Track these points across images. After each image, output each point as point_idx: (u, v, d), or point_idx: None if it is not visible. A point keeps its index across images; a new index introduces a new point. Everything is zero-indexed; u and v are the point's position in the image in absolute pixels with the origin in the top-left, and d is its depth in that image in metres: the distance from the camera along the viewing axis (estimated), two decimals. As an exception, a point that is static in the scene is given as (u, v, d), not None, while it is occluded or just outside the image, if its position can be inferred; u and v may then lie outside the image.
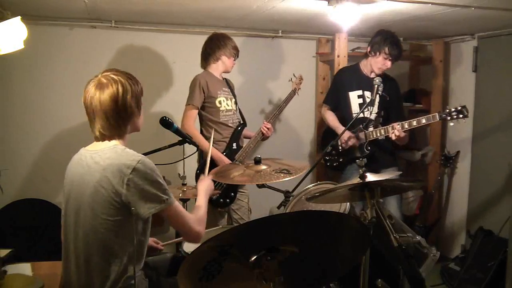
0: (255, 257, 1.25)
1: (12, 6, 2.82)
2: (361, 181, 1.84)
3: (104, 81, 1.69)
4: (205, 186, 2.06)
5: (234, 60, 3.19)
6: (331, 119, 3.45)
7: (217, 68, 3.13)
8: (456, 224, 4.02)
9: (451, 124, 2.84)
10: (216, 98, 3.06)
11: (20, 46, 2.13)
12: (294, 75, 3.61)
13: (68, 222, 1.75)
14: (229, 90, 3.20)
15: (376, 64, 3.18)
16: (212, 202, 3.05)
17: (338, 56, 3.77)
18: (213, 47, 3.10)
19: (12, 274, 1.87)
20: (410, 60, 4.35)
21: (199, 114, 3.08)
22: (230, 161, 3.02)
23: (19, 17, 2.10)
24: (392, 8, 2.80)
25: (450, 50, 4.09)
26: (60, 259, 1.82)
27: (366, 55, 3.29)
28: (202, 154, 3.07)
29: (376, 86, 3.01)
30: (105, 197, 1.64)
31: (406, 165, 4.32)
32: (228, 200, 3.10)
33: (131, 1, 2.82)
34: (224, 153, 3.08)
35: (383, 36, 3.13)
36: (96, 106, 1.68)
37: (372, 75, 3.23)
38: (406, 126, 2.95)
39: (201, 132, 3.13)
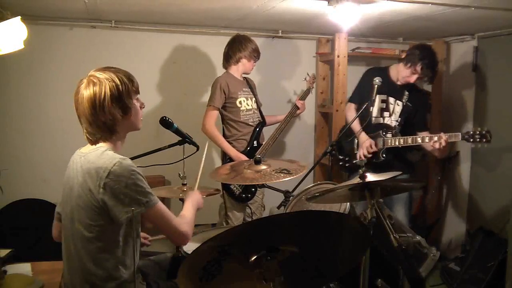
0: (255, 257, 1.25)
1: (12, 6, 2.81)
2: (361, 181, 1.85)
3: (89, 81, 1.64)
4: (192, 198, 1.97)
5: (255, 62, 3.27)
6: (351, 115, 3.34)
7: (237, 70, 3.22)
8: (456, 224, 4.02)
9: (473, 146, 2.88)
10: (237, 99, 3.16)
11: (20, 46, 2.13)
12: (308, 74, 3.69)
13: (63, 227, 1.76)
14: (249, 90, 3.28)
15: (402, 73, 3.10)
16: (236, 198, 3.18)
17: (338, 56, 3.77)
18: (234, 49, 3.17)
19: (12, 274, 1.87)
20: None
21: (221, 114, 3.18)
22: (248, 158, 3.05)
23: (19, 17, 2.10)
24: (392, 8, 2.80)
25: (450, 50, 4.09)
26: (60, 259, 1.82)
27: (399, 60, 3.26)
28: (224, 153, 3.20)
29: (376, 86, 3.00)
30: (86, 201, 1.62)
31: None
32: (249, 195, 3.21)
33: (131, 1, 2.82)
34: (246, 151, 3.18)
35: (423, 53, 3.01)
36: (80, 109, 1.65)
37: (399, 83, 3.16)
38: (427, 140, 2.93)
39: (223, 131, 3.24)
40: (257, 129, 3.26)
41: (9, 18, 2.10)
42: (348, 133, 3.27)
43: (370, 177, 1.87)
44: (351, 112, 3.43)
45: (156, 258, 2.17)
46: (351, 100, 3.50)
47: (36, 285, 1.77)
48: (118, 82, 1.65)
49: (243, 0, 2.72)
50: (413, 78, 3.08)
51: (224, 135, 3.20)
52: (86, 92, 1.62)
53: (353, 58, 3.97)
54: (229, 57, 3.20)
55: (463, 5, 2.66)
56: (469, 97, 3.86)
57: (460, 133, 2.88)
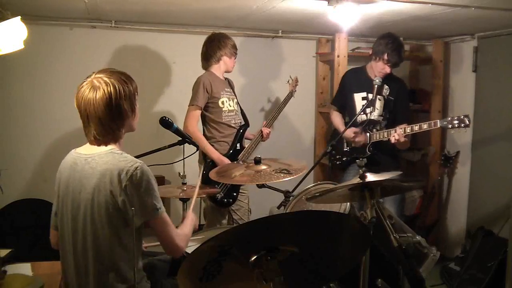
0: (255, 257, 1.25)
1: (12, 6, 2.82)
2: (361, 181, 1.84)
3: (97, 84, 1.63)
4: (192, 218, 2.00)
5: (235, 58, 3.19)
6: (336, 120, 3.45)
7: (219, 68, 3.14)
8: (456, 224, 4.02)
9: (452, 132, 2.83)
10: (219, 99, 3.07)
11: (20, 46, 2.13)
12: (290, 77, 3.64)
13: (65, 229, 1.73)
14: (231, 90, 3.20)
15: (376, 68, 3.18)
16: (216, 202, 3.08)
17: (338, 56, 3.77)
18: (213, 48, 3.09)
19: (12, 274, 1.87)
20: (410, 60, 4.35)
21: (202, 114, 3.07)
22: (230, 161, 3.02)
23: (19, 17, 2.10)
24: (392, 8, 2.80)
25: (450, 50, 4.09)
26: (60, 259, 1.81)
27: (370, 57, 3.29)
28: (204, 155, 3.09)
29: (376, 86, 3.01)
30: (102, 203, 1.62)
31: (406, 165, 4.32)
32: (231, 200, 3.12)
33: (131, 1, 2.82)
34: (229, 153, 3.10)
35: (385, 41, 3.09)
36: (90, 110, 1.63)
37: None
38: (408, 130, 2.92)
39: (203, 132, 3.14)
40: (241, 131, 3.17)
41: (9, 18, 2.09)
42: (337, 135, 3.34)
43: (370, 177, 1.87)
44: (334, 115, 3.49)
45: (156, 258, 2.17)
46: (332, 103, 3.55)
47: (36, 285, 1.77)
48: (127, 82, 1.70)
49: (243, 0, 2.72)
50: (387, 69, 3.13)
51: (205, 136, 3.09)
52: (99, 93, 1.62)
53: (353, 58, 3.97)
54: (209, 57, 3.11)
55: (463, 5, 2.66)
56: (469, 97, 3.86)
57: (438, 121, 2.83)
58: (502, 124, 3.57)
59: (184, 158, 2.39)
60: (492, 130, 3.66)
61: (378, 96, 3.18)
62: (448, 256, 3.82)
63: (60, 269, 1.85)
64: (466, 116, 2.78)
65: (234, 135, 3.14)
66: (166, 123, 2.23)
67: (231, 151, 3.12)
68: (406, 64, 4.43)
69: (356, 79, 3.33)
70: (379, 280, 1.89)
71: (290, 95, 3.55)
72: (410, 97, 4.08)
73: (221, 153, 3.06)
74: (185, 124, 3.01)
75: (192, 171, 3.22)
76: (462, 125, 2.77)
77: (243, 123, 3.24)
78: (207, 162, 3.06)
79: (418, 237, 2.02)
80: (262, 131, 3.27)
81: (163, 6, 2.97)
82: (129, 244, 1.65)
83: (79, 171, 1.68)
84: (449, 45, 4.08)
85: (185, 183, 2.45)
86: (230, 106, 3.13)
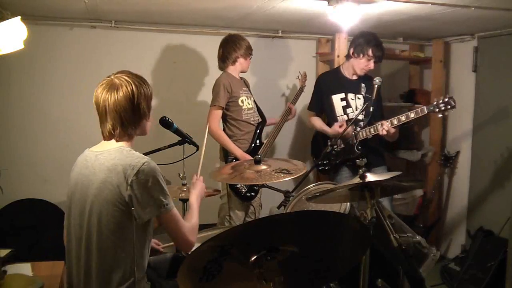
0: (255, 257, 1.25)
1: (12, 6, 2.82)
2: (361, 181, 1.84)
3: (117, 82, 1.69)
4: (198, 191, 2.04)
5: (250, 59, 3.28)
6: (318, 123, 3.42)
7: (235, 69, 3.22)
8: (456, 224, 4.02)
9: (440, 115, 2.84)
10: (239, 98, 3.17)
11: (20, 46, 2.13)
12: (299, 72, 3.68)
13: (72, 224, 1.74)
14: (247, 89, 3.30)
15: (359, 66, 3.16)
16: (241, 196, 3.19)
17: (338, 56, 3.76)
18: (229, 50, 3.17)
19: (12, 274, 1.87)
20: (410, 60, 4.35)
21: (222, 113, 3.17)
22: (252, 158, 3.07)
23: (19, 17, 2.10)
24: (392, 8, 2.80)
25: (450, 50, 4.09)
26: (60, 259, 1.82)
27: (347, 57, 3.28)
28: (225, 153, 3.19)
29: (376, 86, 3.00)
30: (109, 198, 1.63)
31: (406, 165, 4.32)
32: (253, 193, 3.22)
33: (131, 1, 2.82)
34: (250, 149, 3.19)
35: (367, 38, 3.11)
36: (110, 106, 1.67)
37: (354, 77, 3.25)
38: (395, 122, 2.93)
39: (224, 130, 3.23)
40: (259, 128, 3.28)
41: (9, 18, 2.10)
42: (321, 139, 3.38)
43: (370, 177, 1.87)
44: (314, 120, 3.46)
45: (156, 259, 2.17)
46: (310, 108, 3.52)
47: (36, 285, 1.77)
48: (146, 84, 1.75)
49: (243, 0, 2.72)
50: (371, 64, 3.14)
51: (226, 135, 3.19)
52: (121, 90, 1.67)
53: (353, 58, 3.97)
54: (225, 58, 3.20)
55: (463, 5, 2.66)
56: (469, 97, 3.86)
57: (425, 107, 2.83)
58: (502, 124, 3.57)
59: (184, 158, 2.39)
60: (492, 130, 3.66)
61: (357, 95, 3.22)
62: (448, 256, 3.82)
63: (60, 269, 1.85)
64: (451, 97, 2.79)
65: (253, 132, 3.24)
66: (166, 123, 2.23)
67: (252, 146, 3.21)
68: (406, 64, 4.43)
69: (333, 81, 3.33)
70: (379, 280, 1.89)
71: (301, 90, 3.64)
72: (403, 95, 4.25)
73: (243, 150, 3.15)
74: (209, 124, 3.06)
75: (192, 171, 3.23)
76: (449, 106, 2.78)
77: (260, 120, 3.32)
78: (230, 160, 3.14)
79: (418, 237, 2.02)
80: (290, 108, 3.45)
81: (163, 6, 2.98)
82: (133, 241, 1.65)
83: (89, 167, 1.71)
84: (449, 45, 4.08)
85: (185, 184, 2.45)
86: (249, 104, 3.23)
